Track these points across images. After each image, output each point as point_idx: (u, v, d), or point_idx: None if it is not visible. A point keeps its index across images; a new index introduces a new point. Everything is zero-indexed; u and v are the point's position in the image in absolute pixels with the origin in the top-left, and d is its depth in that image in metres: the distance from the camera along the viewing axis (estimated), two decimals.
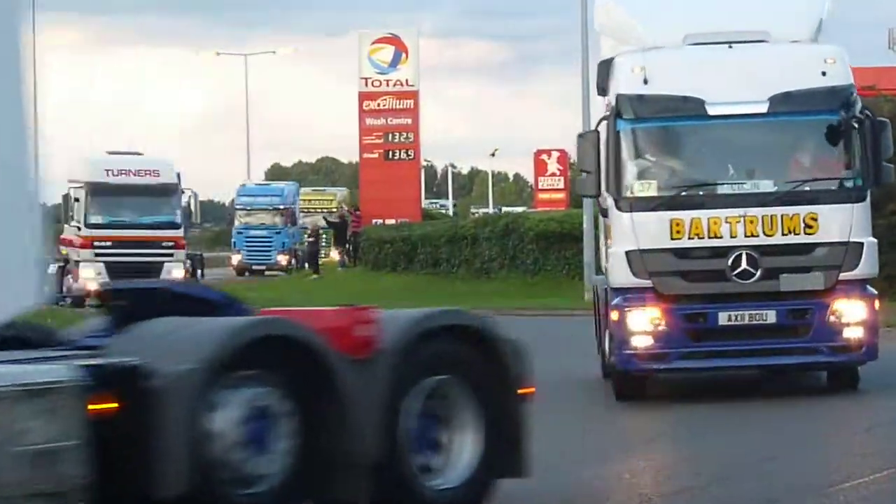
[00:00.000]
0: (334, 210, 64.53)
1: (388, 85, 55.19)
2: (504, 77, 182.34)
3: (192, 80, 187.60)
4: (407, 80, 54.97)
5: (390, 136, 56.50)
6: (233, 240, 63.02)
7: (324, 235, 63.27)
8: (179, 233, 36.43)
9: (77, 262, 35.36)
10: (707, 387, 15.87)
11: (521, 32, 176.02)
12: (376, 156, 57.15)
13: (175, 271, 35.03)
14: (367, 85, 55.01)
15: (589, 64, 34.18)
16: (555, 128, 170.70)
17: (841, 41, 15.79)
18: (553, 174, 54.79)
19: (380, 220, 55.28)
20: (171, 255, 35.73)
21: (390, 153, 56.98)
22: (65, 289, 34.98)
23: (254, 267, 59.01)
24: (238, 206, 61.48)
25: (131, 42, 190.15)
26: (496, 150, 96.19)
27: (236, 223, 62.98)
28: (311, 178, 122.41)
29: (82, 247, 35.17)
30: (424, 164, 73.38)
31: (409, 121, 56.62)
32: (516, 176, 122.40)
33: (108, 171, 36.04)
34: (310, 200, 67.26)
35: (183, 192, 37.17)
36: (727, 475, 10.49)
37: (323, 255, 61.97)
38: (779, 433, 12.89)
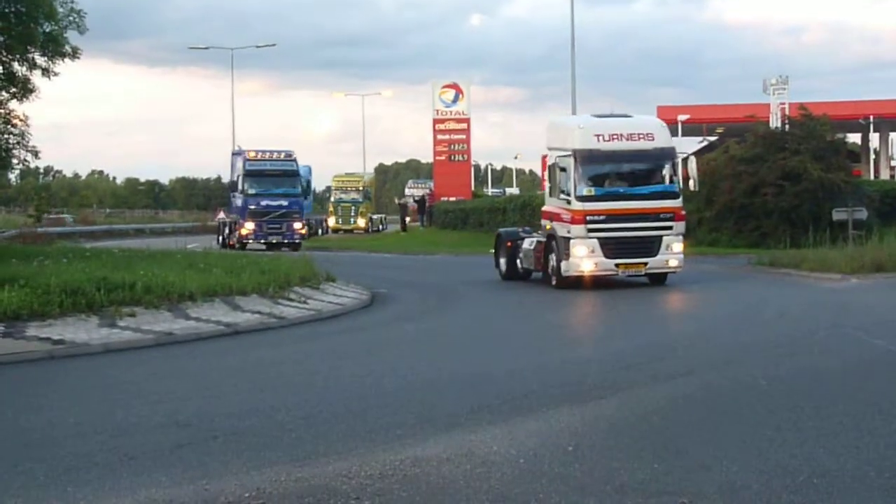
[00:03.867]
0: (361, 188, 70.45)
1: (450, 114, 65.42)
2: (523, 109, 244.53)
3: (329, 112, 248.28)
4: (462, 112, 65.19)
5: (452, 146, 67.58)
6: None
7: (352, 208, 69.15)
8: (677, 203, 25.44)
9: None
10: None
11: (535, 82, 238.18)
12: (444, 158, 68.36)
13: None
14: (437, 114, 65.27)
15: (576, 101, 44.30)
16: None
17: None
18: None
19: (446, 198, 65.68)
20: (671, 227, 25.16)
21: (452, 157, 67.92)
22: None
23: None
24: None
25: (294, 87, 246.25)
26: (518, 154, 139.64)
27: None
28: (404, 172, 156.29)
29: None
30: (473, 163, 78.37)
31: (464, 137, 67.11)
32: (531, 171, 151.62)
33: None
34: (343, 181, 71.65)
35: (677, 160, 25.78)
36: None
37: (353, 222, 68.34)
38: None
